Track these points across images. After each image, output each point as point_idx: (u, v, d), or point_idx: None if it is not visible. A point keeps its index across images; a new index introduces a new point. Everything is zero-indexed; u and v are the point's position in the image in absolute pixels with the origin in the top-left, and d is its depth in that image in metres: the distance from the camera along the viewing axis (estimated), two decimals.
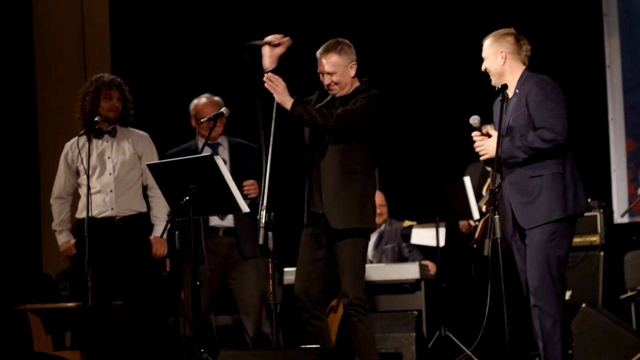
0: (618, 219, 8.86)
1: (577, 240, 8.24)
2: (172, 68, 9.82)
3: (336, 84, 6.13)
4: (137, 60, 9.70)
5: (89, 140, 6.68)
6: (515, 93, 5.76)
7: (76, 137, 6.83)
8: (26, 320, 8.32)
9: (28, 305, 8.35)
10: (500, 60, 5.77)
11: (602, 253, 8.21)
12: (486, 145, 5.73)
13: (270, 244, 5.74)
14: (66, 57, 9.49)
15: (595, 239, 8.25)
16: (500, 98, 5.75)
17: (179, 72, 9.80)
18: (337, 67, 6.11)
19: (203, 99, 7.08)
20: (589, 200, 8.36)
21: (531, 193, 5.65)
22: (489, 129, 5.79)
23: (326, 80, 6.14)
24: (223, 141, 7.10)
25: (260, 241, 5.72)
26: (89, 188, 6.58)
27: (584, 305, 7.39)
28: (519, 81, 5.75)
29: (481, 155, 5.77)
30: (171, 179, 5.98)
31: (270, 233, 5.72)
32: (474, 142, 5.81)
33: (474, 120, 5.73)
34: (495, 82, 5.83)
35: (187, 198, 5.88)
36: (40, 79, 9.54)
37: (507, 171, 5.74)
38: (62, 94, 9.01)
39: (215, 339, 6.55)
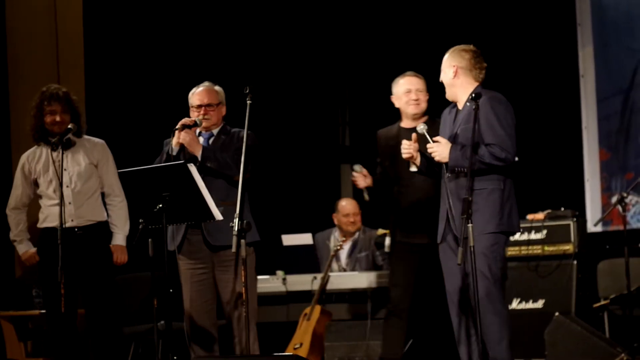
0: (591, 227, 8.87)
1: (550, 248, 8.26)
2: (146, 75, 9.79)
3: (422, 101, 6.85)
4: (111, 67, 9.67)
5: (62, 152, 6.49)
6: (465, 106, 5.86)
7: (32, 149, 6.70)
8: None
9: (0, 312, 8.32)
10: (451, 73, 5.86)
11: (575, 262, 8.22)
12: (438, 148, 5.81)
13: (243, 252, 5.73)
14: (39, 65, 9.42)
15: (568, 247, 8.25)
16: (452, 107, 5.91)
17: (152, 79, 9.77)
18: (424, 88, 6.88)
19: (199, 87, 6.58)
20: (562, 209, 8.40)
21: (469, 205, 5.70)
22: (437, 138, 5.89)
23: (414, 95, 6.82)
24: (217, 131, 6.59)
25: (233, 249, 5.71)
26: (62, 196, 6.43)
27: (557, 313, 7.43)
28: (470, 95, 5.82)
29: (435, 158, 5.86)
30: (143, 186, 5.96)
31: (242, 241, 5.72)
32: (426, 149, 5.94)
33: (421, 127, 5.97)
34: (447, 94, 5.98)
35: (160, 206, 5.87)
36: (13, 88, 9.48)
37: (449, 178, 5.81)
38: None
39: (188, 345, 6.51)
